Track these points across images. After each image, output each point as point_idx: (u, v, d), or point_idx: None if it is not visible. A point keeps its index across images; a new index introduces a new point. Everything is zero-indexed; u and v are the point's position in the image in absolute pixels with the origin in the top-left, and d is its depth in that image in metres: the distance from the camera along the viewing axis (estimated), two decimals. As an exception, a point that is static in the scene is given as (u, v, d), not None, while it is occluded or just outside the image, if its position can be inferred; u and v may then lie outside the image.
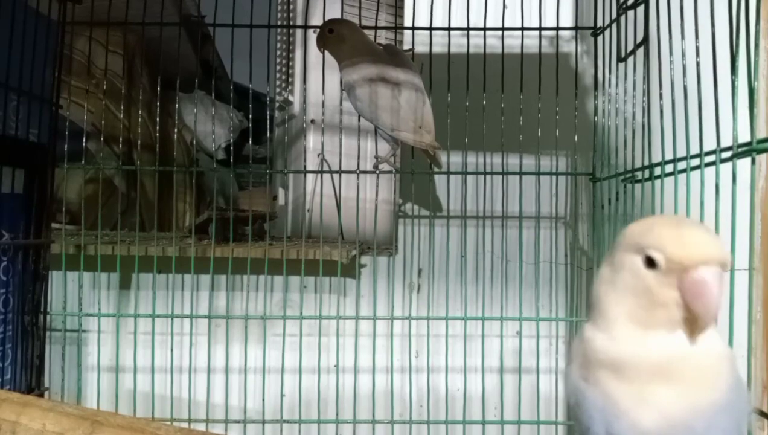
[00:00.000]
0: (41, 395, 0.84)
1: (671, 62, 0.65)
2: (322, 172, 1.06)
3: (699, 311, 0.38)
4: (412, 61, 0.96)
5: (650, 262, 0.39)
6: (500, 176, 1.00)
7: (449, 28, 0.95)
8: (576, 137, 0.94)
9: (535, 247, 1.03)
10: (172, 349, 0.96)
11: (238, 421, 0.99)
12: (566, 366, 0.44)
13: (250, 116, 1.00)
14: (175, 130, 1.11)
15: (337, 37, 0.92)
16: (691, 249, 0.38)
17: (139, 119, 1.02)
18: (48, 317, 0.88)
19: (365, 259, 1.10)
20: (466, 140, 0.94)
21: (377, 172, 0.97)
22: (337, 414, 0.99)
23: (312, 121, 1.21)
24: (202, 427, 0.96)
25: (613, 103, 0.86)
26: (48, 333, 0.89)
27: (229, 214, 1.02)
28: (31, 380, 0.83)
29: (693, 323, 0.38)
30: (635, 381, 0.38)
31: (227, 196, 1.61)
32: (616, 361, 0.39)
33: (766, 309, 1.02)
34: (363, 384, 1.04)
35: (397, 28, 1.11)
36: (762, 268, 1.02)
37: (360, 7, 1.00)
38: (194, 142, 1.48)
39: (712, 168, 0.57)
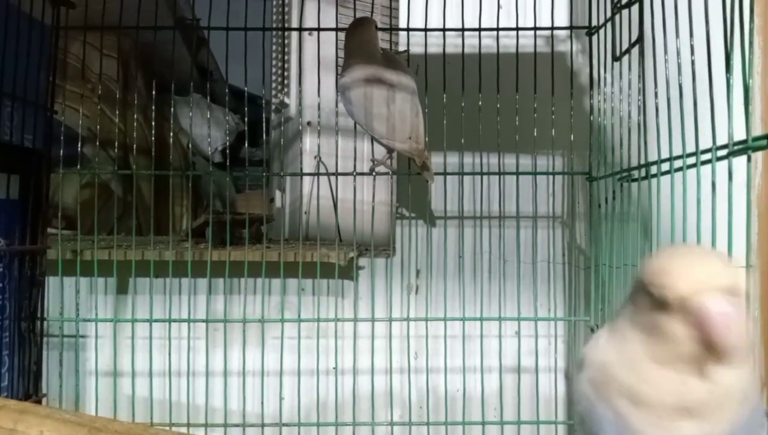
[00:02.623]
0: (39, 402, 0.84)
1: (666, 61, 0.65)
2: (318, 174, 1.06)
3: (716, 344, 0.35)
4: (408, 66, 0.96)
5: (659, 301, 0.37)
6: (497, 176, 1.00)
7: (444, 29, 0.95)
8: (572, 136, 0.94)
9: (532, 247, 1.03)
10: (170, 354, 0.96)
11: (237, 425, 0.99)
12: (578, 373, 0.43)
13: (246, 119, 1.00)
14: (171, 133, 1.10)
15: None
16: (685, 280, 0.36)
17: (135, 123, 1.02)
18: (45, 323, 0.88)
19: (363, 261, 1.10)
20: (463, 141, 0.94)
21: (374, 174, 0.97)
22: (336, 416, 0.98)
23: (308, 124, 1.21)
24: (201, 431, 0.96)
25: (609, 102, 0.86)
26: (45, 339, 0.89)
27: (225, 218, 1.02)
28: (28, 387, 0.83)
29: (716, 358, 0.36)
30: (650, 411, 0.37)
31: (224, 199, 1.60)
32: (636, 396, 0.38)
33: (764, 306, 1.03)
34: (362, 386, 1.04)
35: (392, 29, 1.11)
36: (760, 265, 1.02)
37: (354, 9, 1.00)
38: (190, 145, 1.48)
39: (708, 166, 0.57)
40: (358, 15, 1.00)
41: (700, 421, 0.37)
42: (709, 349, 0.36)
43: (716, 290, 0.36)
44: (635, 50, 0.78)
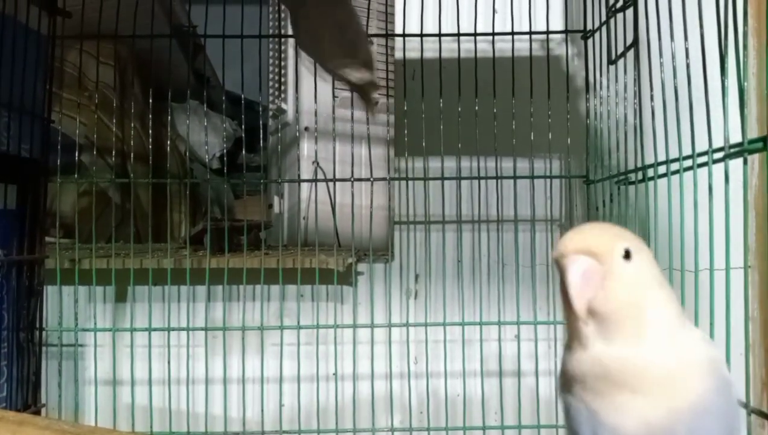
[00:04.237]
0: (38, 412, 0.83)
1: (661, 64, 0.66)
2: (316, 180, 1.06)
3: (569, 298, 0.37)
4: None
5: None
6: (494, 180, 1.00)
7: (440, 35, 0.96)
8: (569, 140, 0.94)
9: (531, 250, 1.03)
10: (169, 362, 0.95)
11: (237, 433, 0.99)
12: (559, 375, 0.44)
13: (243, 125, 1.00)
14: (169, 140, 1.10)
15: None
16: (558, 245, 0.39)
17: (132, 130, 1.02)
18: (44, 333, 0.88)
19: (362, 267, 1.10)
20: (460, 145, 0.95)
21: (371, 179, 0.97)
22: (336, 423, 0.98)
23: (306, 129, 1.21)
24: (201, 439, 0.96)
25: (605, 105, 0.86)
26: (44, 349, 0.88)
27: (224, 225, 1.01)
28: (27, 397, 0.83)
29: (576, 317, 0.38)
30: (603, 393, 0.38)
31: (222, 206, 1.60)
32: (582, 381, 0.39)
33: (762, 306, 1.03)
34: (362, 392, 1.03)
35: (388, 35, 1.11)
36: (758, 266, 1.02)
37: (351, 15, 1.00)
38: (188, 152, 1.47)
39: (705, 168, 0.57)
40: (354, 20, 1.00)
41: (653, 397, 0.37)
42: (571, 308, 0.37)
43: (576, 252, 0.38)
44: (630, 53, 0.79)
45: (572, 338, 0.39)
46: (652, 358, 0.37)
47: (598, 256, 0.38)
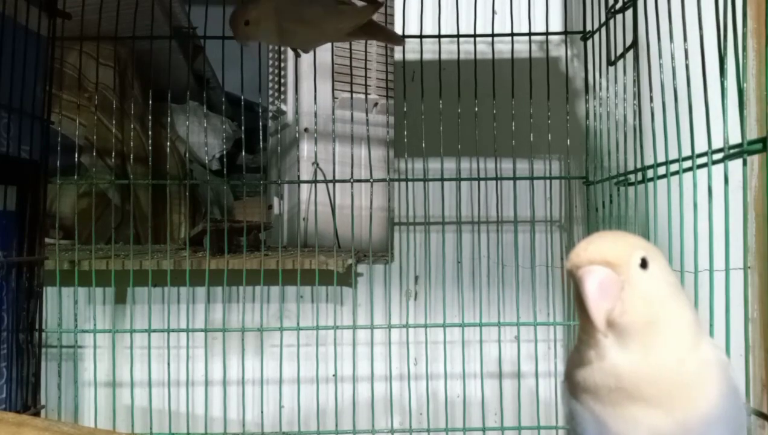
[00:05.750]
0: (37, 413, 0.83)
1: (661, 65, 0.66)
2: (315, 181, 1.06)
3: (587, 310, 0.36)
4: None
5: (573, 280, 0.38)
6: (494, 181, 1.00)
7: (439, 36, 0.96)
8: (568, 141, 0.94)
9: (530, 251, 1.03)
10: (168, 363, 0.95)
11: None
12: (563, 380, 0.44)
13: (243, 127, 1.00)
14: (168, 141, 1.10)
15: (254, 24, 0.80)
16: (572, 255, 0.38)
17: (132, 132, 1.02)
18: (43, 334, 0.88)
19: (361, 268, 1.10)
20: (459, 146, 0.95)
21: (371, 180, 0.97)
22: (336, 424, 0.98)
23: (305, 130, 1.21)
24: (200, 440, 0.96)
25: (605, 106, 0.86)
26: (43, 350, 0.88)
27: (223, 226, 1.01)
28: (27, 398, 0.83)
29: (593, 328, 0.37)
30: (614, 403, 0.38)
31: (222, 207, 1.60)
32: (591, 389, 0.38)
33: (762, 307, 1.03)
34: (362, 393, 1.03)
35: (388, 36, 1.11)
36: (757, 267, 1.02)
37: (350, 16, 1.00)
38: (187, 153, 1.47)
39: (704, 169, 0.57)
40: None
41: (664, 407, 0.37)
42: (588, 319, 0.37)
43: (593, 262, 0.37)
44: (630, 55, 0.79)
45: (586, 347, 0.38)
46: (669, 371, 0.37)
47: (615, 267, 0.37)
